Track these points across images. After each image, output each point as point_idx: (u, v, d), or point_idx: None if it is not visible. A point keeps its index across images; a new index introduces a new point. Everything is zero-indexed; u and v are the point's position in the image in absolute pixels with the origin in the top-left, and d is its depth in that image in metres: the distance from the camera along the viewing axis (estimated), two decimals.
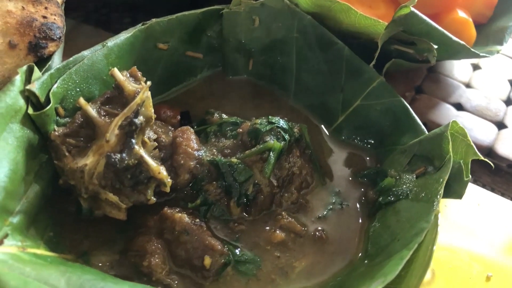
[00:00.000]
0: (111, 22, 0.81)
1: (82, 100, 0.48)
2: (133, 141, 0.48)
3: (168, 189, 0.49)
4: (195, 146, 0.53)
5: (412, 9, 0.56)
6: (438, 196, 0.46)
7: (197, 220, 0.49)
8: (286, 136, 0.53)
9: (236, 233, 0.51)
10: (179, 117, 0.61)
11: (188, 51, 0.64)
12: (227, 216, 0.52)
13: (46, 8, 0.56)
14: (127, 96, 0.49)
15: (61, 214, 0.49)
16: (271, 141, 0.52)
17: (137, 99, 0.47)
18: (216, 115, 0.60)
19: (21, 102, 0.46)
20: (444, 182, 0.47)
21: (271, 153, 0.52)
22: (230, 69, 0.67)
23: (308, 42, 0.63)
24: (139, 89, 0.49)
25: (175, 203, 0.51)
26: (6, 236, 0.40)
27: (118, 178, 0.48)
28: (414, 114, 0.57)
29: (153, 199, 0.49)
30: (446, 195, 0.49)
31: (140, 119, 0.48)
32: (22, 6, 0.55)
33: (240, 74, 0.67)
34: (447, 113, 0.74)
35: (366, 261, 0.49)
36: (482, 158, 0.49)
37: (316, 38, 0.63)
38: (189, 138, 0.53)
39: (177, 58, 0.64)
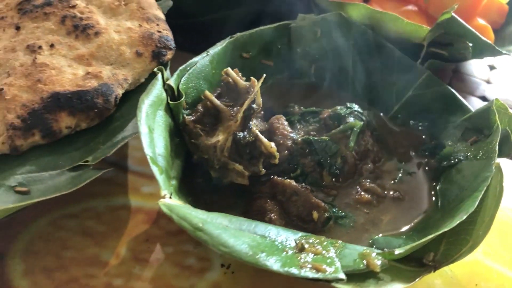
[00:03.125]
0: (177, 43, 0.94)
1: (207, 93, 0.61)
2: (251, 123, 0.60)
3: (277, 161, 0.60)
4: (289, 129, 0.65)
5: (453, 14, 0.70)
6: (495, 153, 0.59)
7: (303, 184, 0.61)
8: (363, 117, 0.66)
9: (330, 196, 0.63)
10: (262, 112, 0.73)
11: (262, 60, 0.77)
12: (320, 183, 0.63)
13: (157, 24, 0.69)
14: (239, 89, 0.62)
15: (192, 185, 0.60)
16: (353, 120, 0.65)
17: (256, 89, 0.60)
18: (296, 107, 0.72)
19: (164, 94, 0.58)
20: (497, 142, 0.59)
21: (353, 130, 0.64)
22: (296, 74, 0.80)
23: (363, 47, 0.77)
24: (250, 83, 0.62)
25: (277, 174, 0.63)
26: (171, 194, 0.51)
27: (238, 153, 0.59)
28: (460, 97, 0.70)
29: (263, 170, 0.61)
30: (498, 155, 0.61)
31: (255, 105, 0.60)
32: (139, 24, 0.68)
33: (304, 77, 0.80)
34: (476, 105, 0.87)
35: (440, 209, 0.61)
36: None
37: (370, 44, 0.76)
38: (283, 123, 0.66)
39: (255, 65, 0.76)
